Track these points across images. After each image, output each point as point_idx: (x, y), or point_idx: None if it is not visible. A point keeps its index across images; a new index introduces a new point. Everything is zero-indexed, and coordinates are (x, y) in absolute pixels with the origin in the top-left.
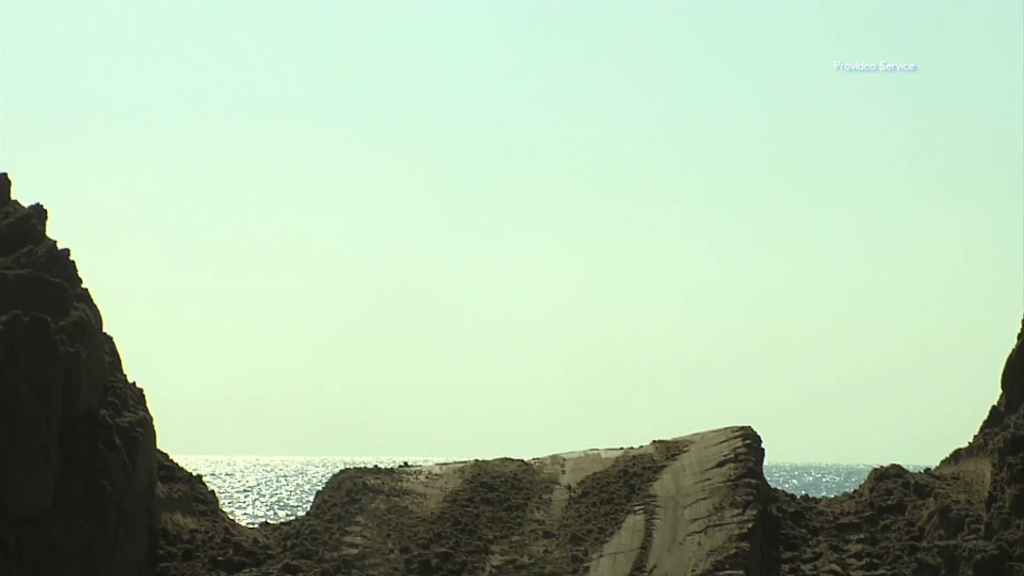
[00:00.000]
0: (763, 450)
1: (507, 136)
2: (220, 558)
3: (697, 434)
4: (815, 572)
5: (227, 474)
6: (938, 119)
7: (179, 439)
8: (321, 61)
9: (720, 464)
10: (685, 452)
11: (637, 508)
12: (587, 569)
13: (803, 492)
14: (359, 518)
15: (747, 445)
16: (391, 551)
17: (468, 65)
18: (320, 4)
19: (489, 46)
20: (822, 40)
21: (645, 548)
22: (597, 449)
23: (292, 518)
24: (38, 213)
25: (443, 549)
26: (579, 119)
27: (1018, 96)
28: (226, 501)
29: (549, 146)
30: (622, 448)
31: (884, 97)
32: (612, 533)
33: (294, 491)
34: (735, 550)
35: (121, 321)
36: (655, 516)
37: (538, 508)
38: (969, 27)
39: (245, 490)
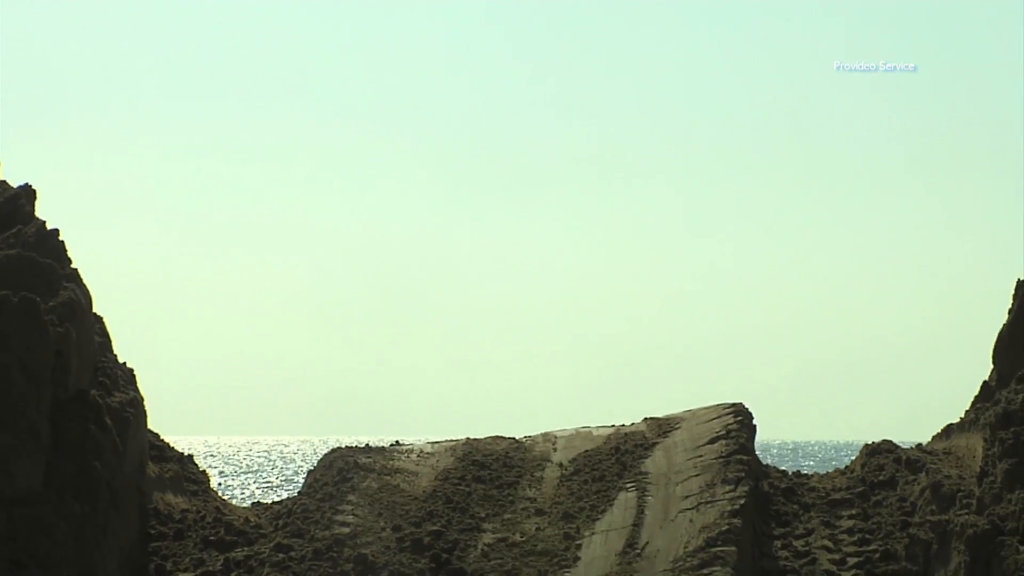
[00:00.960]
0: (755, 427)
1: (505, 121)
2: (212, 537)
3: (689, 411)
4: (807, 548)
5: (214, 455)
6: (938, 119)
7: (169, 419)
8: (321, 46)
9: (712, 441)
10: (677, 429)
11: (629, 485)
12: (579, 546)
13: (795, 468)
14: (351, 497)
15: (739, 422)
16: (383, 529)
17: (468, 52)
18: None
19: (489, 32)
20: (822, 40)
21: (637, 525)
22: (589, 427)
23: (284, 498)
24: (27, 193)
25: (435, 527)
26: (579, 118)
27: (1018, 96)
28: (217, 481)
29: (547, 138)
30: (614, 426)
31: (884, 97)
32: (604, 510)
33: (283, 471)
34: (727, 526)
35: (111, 301)
36: (647, 493)
37: (530, 486)
38: (969, 27)
39: (238, 471)
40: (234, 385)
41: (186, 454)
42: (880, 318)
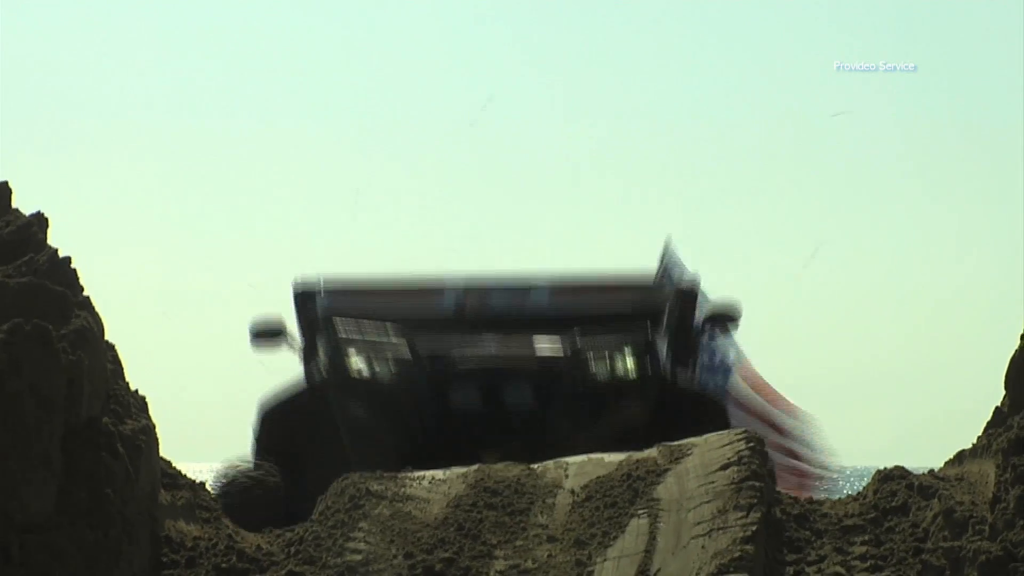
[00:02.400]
0: (767, 453)
1: (502, 127)
2: (224, 565)
3: (701, 437)
4: (819, 574)
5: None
6: (938, 119)
7: (181, 446)
8: (318, 61)
9: (724, 467)
10: (689, 455)
11: (641, 512)
12: (591, 573)
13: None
14: (362, 524)
15: (750, 448)
16: (395, 557)
17: (465, 52)
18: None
19: (486, 35)
20: (822, 40)
21: (649, 552)
22: (600, 454)
23: (295, 524)
24: (39, 221)
25: (447, 554)
26: (579, 116)
27: (1018, 96)
28: None
29: (547, 140)
30: (625, 452)
31: (884, 97)
32: (616, 537)
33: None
34: (739, 553)
35: (123, 329)
36: (659, 520)
37: (541, 513)
38: (969, 27)
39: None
40: (246, 412)
41: (198, 481)
42: (889, 337)
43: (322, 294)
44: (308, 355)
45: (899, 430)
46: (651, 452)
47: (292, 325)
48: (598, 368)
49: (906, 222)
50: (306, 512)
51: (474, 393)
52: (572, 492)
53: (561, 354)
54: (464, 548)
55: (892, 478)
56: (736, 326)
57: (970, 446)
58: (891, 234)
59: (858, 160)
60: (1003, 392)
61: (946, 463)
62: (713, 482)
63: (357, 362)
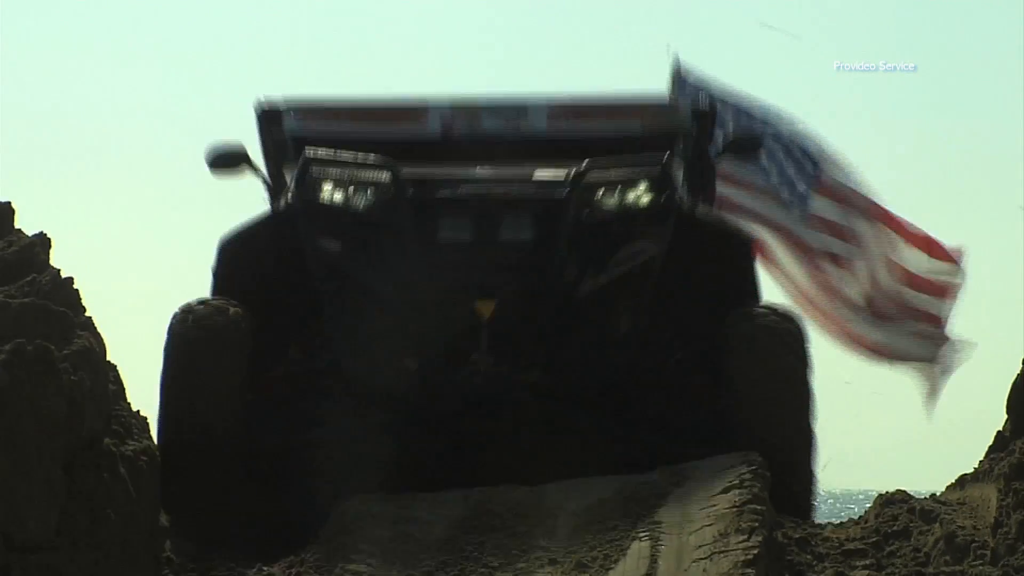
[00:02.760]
0: (768, 476)
1: None
2: None
3: (703, 460)
4: None
5: None
6: (938, 119)
7: None
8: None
9: (725, 490)
10: (690, 478)
11: (642, 534)
12: None
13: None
14: (363, 546)
15: (752, 471)
16: None
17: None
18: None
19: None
20: (822, 40)
21: (650, 574)
22: (603, 476)
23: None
24: (41, 242)
25: None
26: None
27: (1018, 96)
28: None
29: None
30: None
31: (884, 97)
32: (617, 560)
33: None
34: None
35: (124, 350)
36: (660, 542)
37: (543, 535)
38: (969, 27)
39: None
40: None
41: None
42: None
43: (290, 115)
44: (274, 187)
45: (901, 453)
46: (652, 475)
47: (256, 154)
48: (605, 199)
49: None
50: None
51: (464, 225)
52: (574, 514)
53: (563, 180)
54: (465, 570)
55: (894, 502)
56: (759, 154)
57: (972, 470)
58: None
59: (858, 159)
60: (1005, 416)
61: (948, 487)
62: (715, 505)
63: (329, 189)
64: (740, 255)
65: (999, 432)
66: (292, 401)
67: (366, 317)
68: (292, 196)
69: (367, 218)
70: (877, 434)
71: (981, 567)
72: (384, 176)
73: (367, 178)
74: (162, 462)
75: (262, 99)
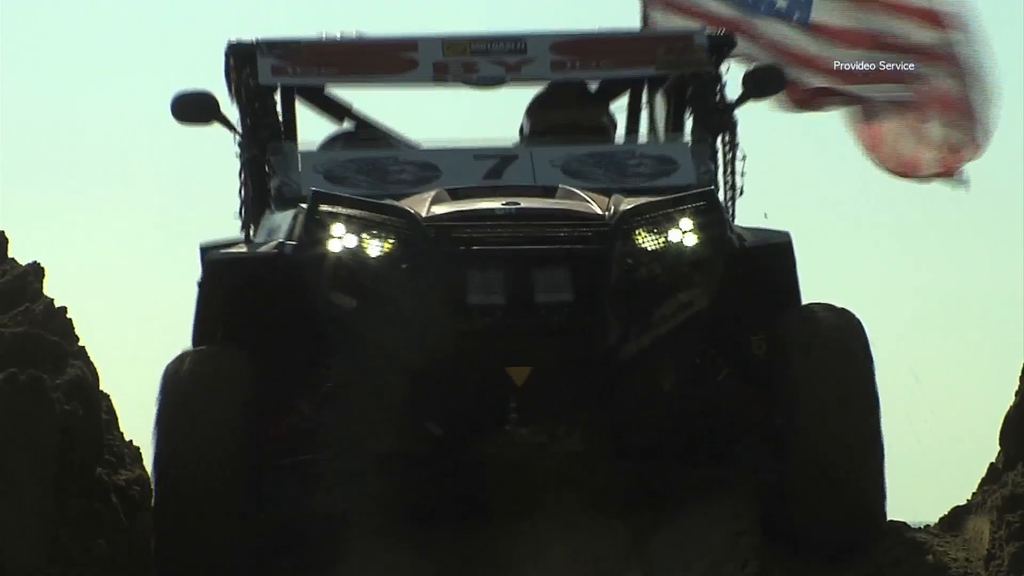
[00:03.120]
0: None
1: None
2: None
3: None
4: None
5: None
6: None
7: None
8: None
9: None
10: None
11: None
12: None
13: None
14: None
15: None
16: None
17: None
18: None
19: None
20: None
21: None
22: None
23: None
24: (35, 271)
25: None
26: None
27: (1019, 96)
28: None
29: None
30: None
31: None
32: None
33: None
34: None
35: (117, 379)
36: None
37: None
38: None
39: None
40: None
41: None
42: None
43: (265, 57)
44: (248, 141)
45: (894, 484)
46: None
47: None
48: (648, 246)
49: (907, 229)
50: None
51: (496, 284)
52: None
53: (603, 217)
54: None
55: (888, 534)
56: (782, 93)
57: (965, 502)
58: (894, 237)
59: (857, 161)
60: (998, 448)
61: (940, 519)
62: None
63: (341, 238)
64: (782, 258)
65: (992, 464)
66: (299, 463)
67: (384, 377)
68: (299, 242)
69: (386, 276)
70: None
71: None
72: (404, 225)
73: (386, 226)
74: (155, 526)
75: (233, 40)
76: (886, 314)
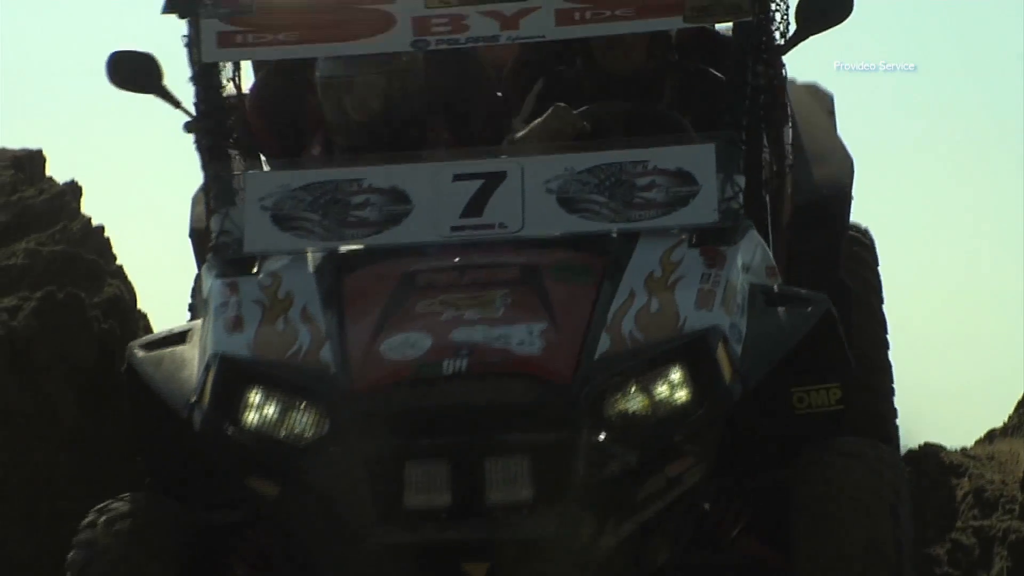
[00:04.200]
0: None
1: None
2: None
3: None
4: None
5: None
6: (938, 119)
7: None
8: None
9: None
10: None
11: None
12: None
13: None
14: None
15: None
16: None
17: None
18: None
19: None
20: (822, 40)
21: None
22: None
23: None
24: (73, 190)
25: None
26: None
27: (1018, 96)
28: None
29: None
30: None
31: (884, 97)
32: None
33: None
34: None
35: (155, 298)
36: None
37: None
38: (969, 27)
39: None
40: None
41: None
42: (906, 322)
43: (209, 13)
44: (198, 116)
45: (930, 408)
46: None
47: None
48: (625, 411)
49: (909, 224)
50: None
51: (439, 481)
52: None
53: (570, 362)
54: None
55: (923, 456)
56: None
57: (1001, 425)
58: (896, 232)
59: (857, 158)
60: None
61: (976, 442)
62: None
63: (257, 410)
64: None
65: None
66: None
67: (320, 560)
68: (206, 417)
69: (310, 462)
70: (906, 389)
71: (1009, 521)
72: (330, 398)
73: (309, 399)
74: None
75: None
76: (928, 232)
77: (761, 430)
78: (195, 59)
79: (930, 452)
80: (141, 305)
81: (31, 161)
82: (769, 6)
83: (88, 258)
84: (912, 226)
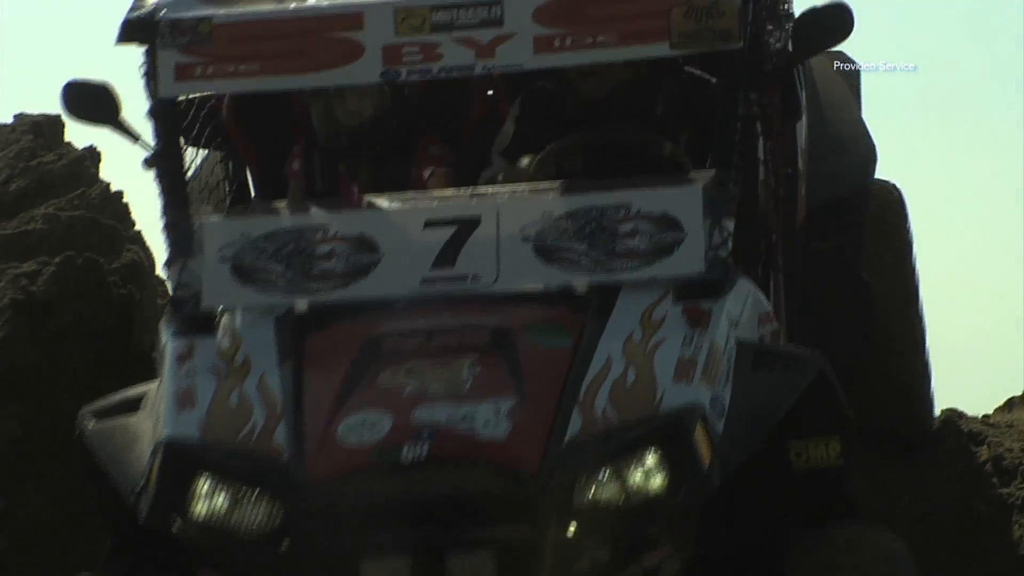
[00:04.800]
0: None
1: None
2: None
3: None
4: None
5: None
6: (938, 119)
7: None
8: None
9: None
10: None
11: None
12: None
13: None
14: None
15: None
16: None
17: None
18: None
19: None
20: None
21: None
22: None
23: None
24: (92, 155)
25: None
26: None
27: (1018, 96)
28: None
29: None
30: None
31: (884, 97)
32: None
33: None
34: None
35: None
36: None
37: None
38: (969, 27)
39: None
40: None
41: None
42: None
43: (167, 35)
44: (159, 150)
45: (951, 376)
46: None
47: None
48: (591, 507)
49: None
50: None
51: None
52: None
53: (538, 444)
54: None
55: (943, 423)
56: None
57: (1020, 393)
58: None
59: None
60: None
61: (996, 410)
62: None
63: (207, 500)
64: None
65: None
66: None
67: None
68: (152, 505)
69: (262, 556)
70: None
71: None
72: (283, 488)
73: (260, 488)
74: None
75: (132, 14)
76: (952, 198)
77: (758, 489)
78: (153, 92)
79: (950, 420)
80: (159, 271)
81: (50, 126)
82: (761, 30)
83: (106, 223)
84: (917, 222)
